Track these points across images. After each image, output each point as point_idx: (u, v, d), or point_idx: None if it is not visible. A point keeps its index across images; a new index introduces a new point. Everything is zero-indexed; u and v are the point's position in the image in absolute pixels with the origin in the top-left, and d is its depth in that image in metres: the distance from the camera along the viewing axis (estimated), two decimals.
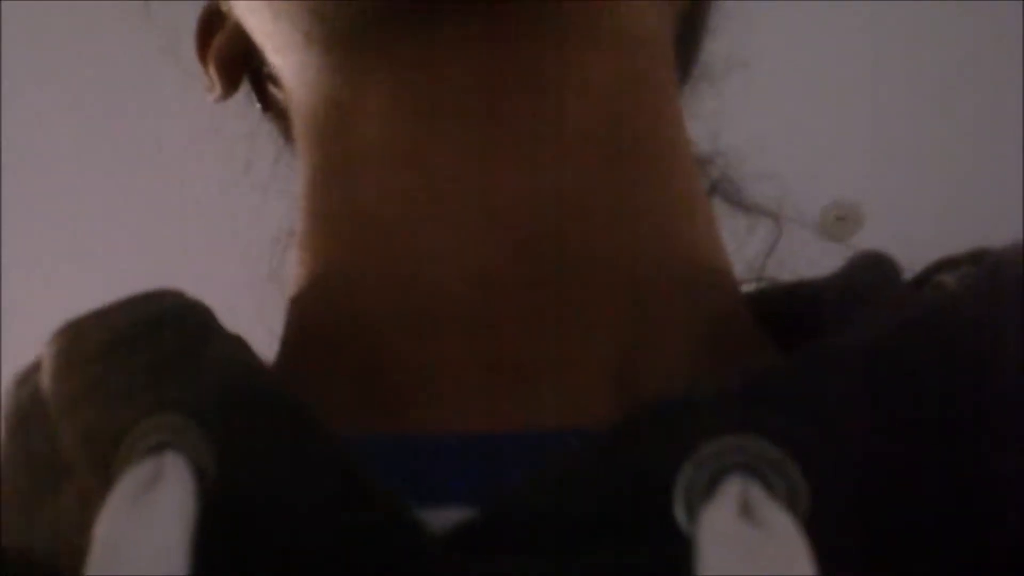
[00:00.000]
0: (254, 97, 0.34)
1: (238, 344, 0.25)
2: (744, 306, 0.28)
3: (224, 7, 0.32)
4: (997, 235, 0.26)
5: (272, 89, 0.32)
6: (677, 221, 0.26)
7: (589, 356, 0.24)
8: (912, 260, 0.28)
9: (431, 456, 0.23)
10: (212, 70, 0.32)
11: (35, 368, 0.27)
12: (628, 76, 0.26)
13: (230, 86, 0.32)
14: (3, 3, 1.26)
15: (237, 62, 0.31)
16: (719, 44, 0.36)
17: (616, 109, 0.26)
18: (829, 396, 0.21)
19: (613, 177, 0.26)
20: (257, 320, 0.33)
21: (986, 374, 0.21)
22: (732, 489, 0.19)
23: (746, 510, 0.18)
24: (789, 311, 0.28)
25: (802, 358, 0.21)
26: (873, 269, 0.26)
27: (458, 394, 0.24)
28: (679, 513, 0.19)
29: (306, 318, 0.28)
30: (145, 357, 0.24)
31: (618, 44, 0.26)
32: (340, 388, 0.25)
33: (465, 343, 0.25)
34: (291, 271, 0.29)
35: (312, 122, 0.28)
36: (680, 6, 0.30)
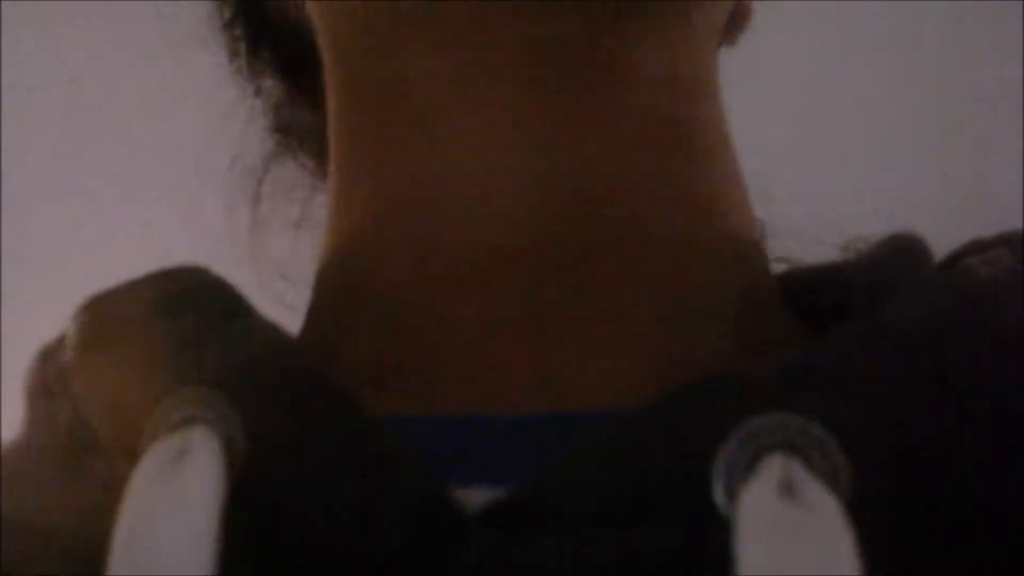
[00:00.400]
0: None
1: (265, 319, 0.25)
2: (775, 283, 0.27)
3: None
4: None
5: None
6: (720, 193, 0.26)
7: (627, 330, 0.24)
8: None
9: (458, 433, 0.23)
10: None
11: (59, 344, 0.26)
12: (681, 52, 0.26)
13: None
14: (3, 3, 1.26)
15: None
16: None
17: (670, 82, 0.25)
18: (871, 376, 0.20)
19: (661, 149, 0.25)
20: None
21: None
22: (773, 467, 0.18)
23: (787, 489, 0.18)
24: (814, 291, 0.27)
25: (843, 337, 0.21)
26: (903, 251, 0.26)
27: (488, 369, 0.24)
28: (718, 491, 0.19)
29: (332, 288, 0.27)
30: (172, 332, 0.24)
31: (679, 23, 0.25)
32: (363, 362, 0.25)
33: (495, 315, 0.24)
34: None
35: (356, 51, 0.26)
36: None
